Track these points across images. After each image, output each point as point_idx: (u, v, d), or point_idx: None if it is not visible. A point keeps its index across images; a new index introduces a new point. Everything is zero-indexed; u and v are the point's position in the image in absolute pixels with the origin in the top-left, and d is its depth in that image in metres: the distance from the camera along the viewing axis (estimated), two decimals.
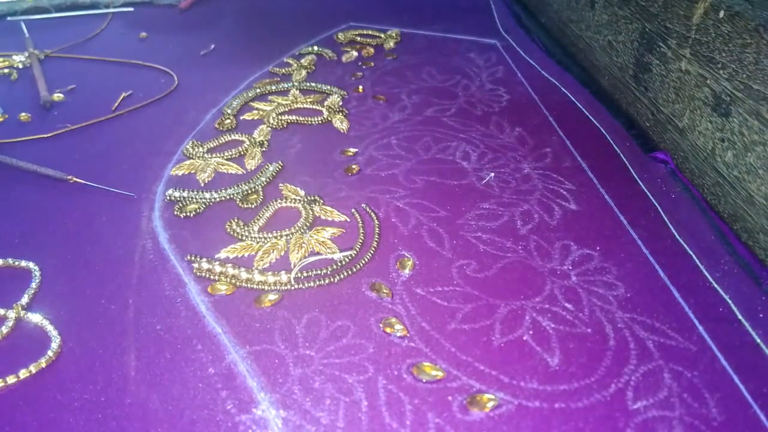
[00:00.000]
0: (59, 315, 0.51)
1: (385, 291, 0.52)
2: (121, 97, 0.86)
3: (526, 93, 0.86)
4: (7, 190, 0.68)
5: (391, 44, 1.04)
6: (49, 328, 0.49)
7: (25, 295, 0.53)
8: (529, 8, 1.20)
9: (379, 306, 0.51)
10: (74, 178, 0.68)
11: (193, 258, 0.56)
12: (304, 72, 0.94)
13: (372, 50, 1.02)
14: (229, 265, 0.55)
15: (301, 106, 0.84)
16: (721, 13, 0.61)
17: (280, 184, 0.68)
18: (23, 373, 0.45)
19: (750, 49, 0.57)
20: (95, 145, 0.76)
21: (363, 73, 0.94)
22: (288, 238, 0.59)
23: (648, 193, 0.65)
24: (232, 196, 0.66)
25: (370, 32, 1.09)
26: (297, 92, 0.88)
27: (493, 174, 0.68)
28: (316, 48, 1.02)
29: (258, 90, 0.88)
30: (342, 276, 0.54)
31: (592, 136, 0.76)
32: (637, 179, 0.67)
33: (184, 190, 0.66)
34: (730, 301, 0.51)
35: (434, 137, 0.76)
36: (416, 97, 0.86)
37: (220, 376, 0.45)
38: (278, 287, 0.53)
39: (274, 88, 0.89)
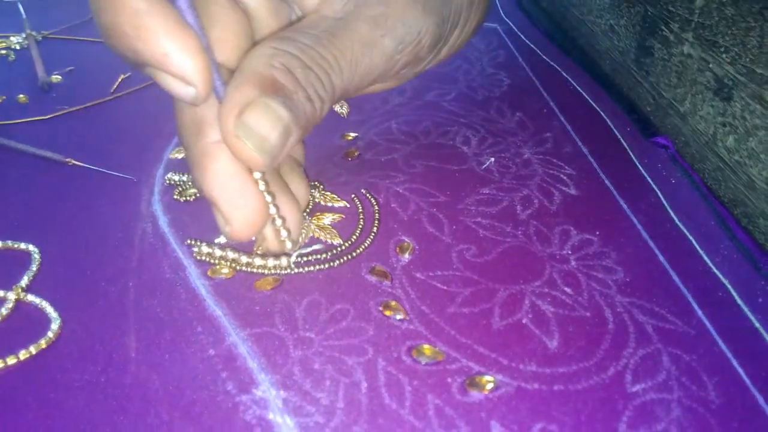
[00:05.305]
0: (59, 297, 0.51)
1: (385, 275, 0.52)
2: (120, 79, 0.86)
3: (527, 77, 0.86)
4: (5, 173, 0.67)
5: None
6: (49, 309, 0.49)
7: (25, 277, 0.53)
8: None
9: (379, 290, 0.51)
10: (73, 161, 0.68)
11: (193, 242, 0.56)
12: None
13: None
14: (229, 249, 0.55)
15: None
16: None
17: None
18: (23, 354, 0.45)
19: (754, 32, 0.56)
20: (94, 128, 0.76)
21: None
22: None
23: (648, 178, 0.65)
24: None
25: None
26: None
27: (493, 159, 0.68)
28: None
29: None
30: (342, 260, 0.54)
31: (592, 120, 0.75)
32: (638, 164, 0.67)
33: (183, 174, 0.66)
34: (729, 286, 0.51)
35: (434, 122, 0.76)
36: (416, 81, 0.85)
37: (221, 358, 0.45)
38: (278, 271, 0.53)
39: None
